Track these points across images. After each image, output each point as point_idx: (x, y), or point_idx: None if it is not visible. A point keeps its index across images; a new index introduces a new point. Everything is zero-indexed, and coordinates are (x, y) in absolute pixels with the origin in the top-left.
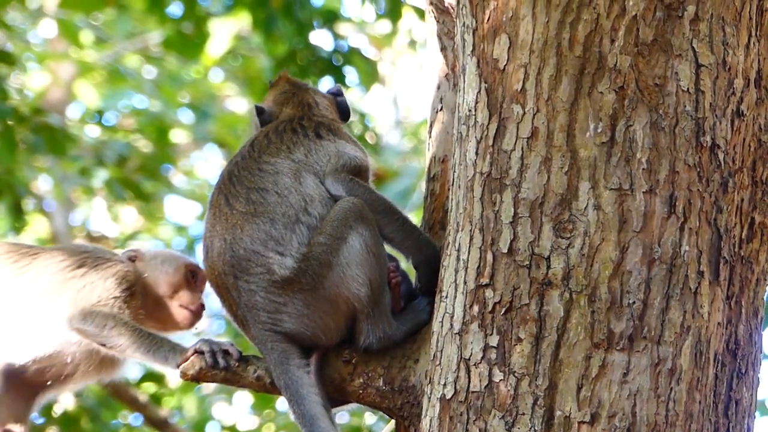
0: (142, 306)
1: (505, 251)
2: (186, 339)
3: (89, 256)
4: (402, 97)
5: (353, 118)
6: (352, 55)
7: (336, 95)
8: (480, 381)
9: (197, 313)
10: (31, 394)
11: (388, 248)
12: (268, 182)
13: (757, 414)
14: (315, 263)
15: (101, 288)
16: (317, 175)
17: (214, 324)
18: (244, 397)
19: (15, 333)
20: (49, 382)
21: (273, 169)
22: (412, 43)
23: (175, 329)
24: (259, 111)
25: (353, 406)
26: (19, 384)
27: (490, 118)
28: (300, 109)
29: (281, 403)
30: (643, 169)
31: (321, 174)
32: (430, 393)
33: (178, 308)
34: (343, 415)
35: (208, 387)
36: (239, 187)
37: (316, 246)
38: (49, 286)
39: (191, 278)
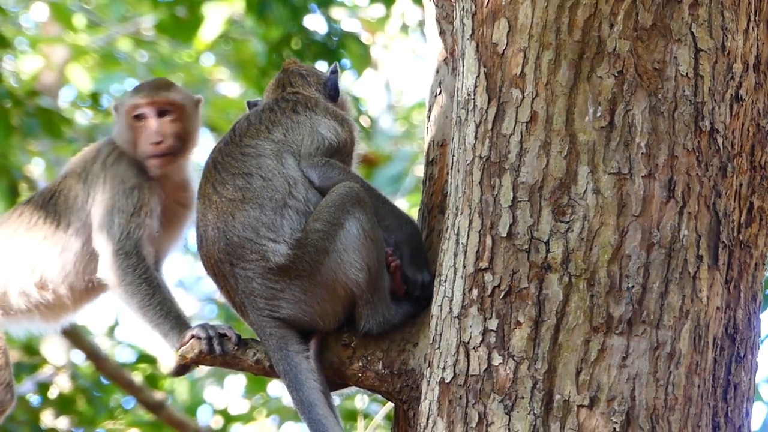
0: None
1: (504, 235)
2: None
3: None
4: (394, 81)
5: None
6: (345, 39)
7: (331, 73)
8: (479, 364)
9: (156, 147)
10: None
11: None
12: (252, 166)
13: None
14: (311, 250)
15: (114, 213)
16: (295, 156)
17: (205, 308)
18: (236, 381)
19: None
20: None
21: (255, 151)
22: (405, 28)
23: (151, 166)
24: (251, 105)
25: (350, 389)
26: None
27: (489, 103)
28: (281, 89)
29: (273, 387)
30: (642, 153)
31: (298, 155)
32: (429, 376)
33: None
34: (335, 399)
35: (200, 370)
36: (224, 174)
37: (312, 232)
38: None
39: (136, 119)
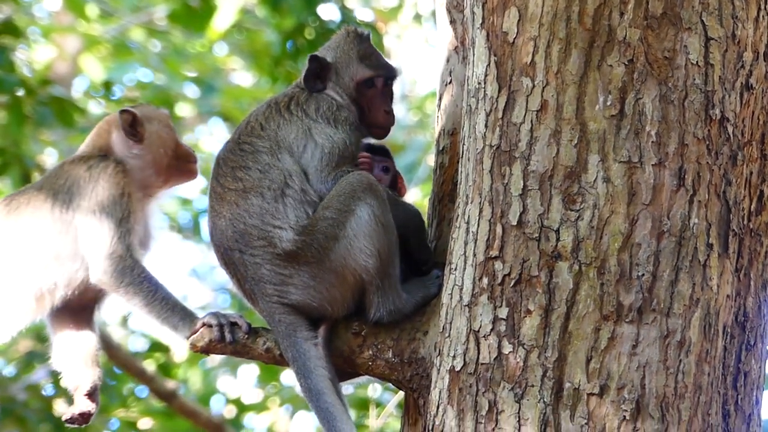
0: (141, 179)
1: (515, 224)
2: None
3: (67, 175)
4: (408, 70)
5: None
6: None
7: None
8: (489, 353)
9: (196, 162)
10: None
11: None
12: (249, 160)
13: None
14: (320, 236)
15: (104, 214)
16: (290, 152)
17: (219, 298)
18: (249, 370)
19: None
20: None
21: (251, 148)
22: (418, 17)
23: (178, 183)
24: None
25: (363, 378)
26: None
27: (499, 91)
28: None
29: (286, 376)
30: (653, 142)
31: (292, 151)
32: (440, 365)
33: (184, 163)
34: (347, 388)
35: (213, 360)
36: (225, 168)
37: (321, 220)
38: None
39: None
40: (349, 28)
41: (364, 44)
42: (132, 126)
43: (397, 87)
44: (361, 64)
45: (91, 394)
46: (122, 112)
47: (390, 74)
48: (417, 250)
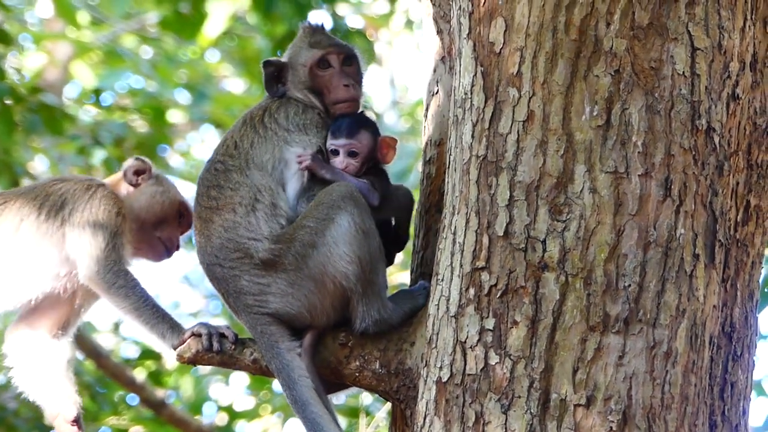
0: (127, 226)
1: (501, 234)
2: (184, 320)
3: (64, 189)
4: (399, 77)
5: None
6: (350, 35)
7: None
8: (476, 364)
9: (171, 251)
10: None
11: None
12: (221, 179)
13: (753, 395)
14: (298, 244)
15: (98, 227)
16: (261, 168)
17: (210, 304)
18: (240, 378)
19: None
20: (65, 310)
21: (223, 167)
22: (409, 24)
23: (144, 258)
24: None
25: (354, 389)
26: (41, 316)
27: (486, 102)
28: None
29: (277, 384)
30: (639, 152)
31: (265, 167)
32: (426, 376)
33: (156, 239)
34: (338, 396)
35: (204, 367)
36: (202, 187)
37: (300, 228)
38: (34, 231)
39: (179, 216)
40: (303, 25)
41: (317, 33)
42: (137, 174)
43: (365, 67)
44: (312, 49)
45: (77, 421)
46: (137, 158)
47: (342, 50)
48: (404, 230)
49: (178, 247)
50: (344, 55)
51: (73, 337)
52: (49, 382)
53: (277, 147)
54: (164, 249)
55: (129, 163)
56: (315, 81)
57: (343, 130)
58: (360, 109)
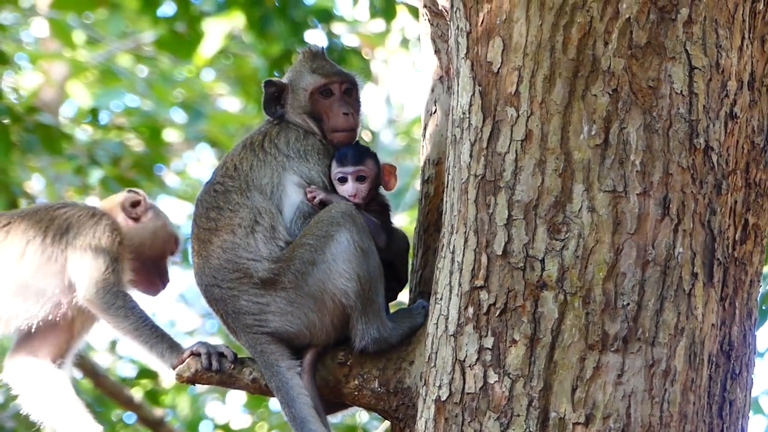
0: (126, 255)
1: (500, 253)
2: (182, 339)
3: (69, 214)
4: (395, 95)
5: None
6: (345, 54)
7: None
8: (475, 382)
9: (164, 287)
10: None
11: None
12: (221, 200)
13: (750, 412)
14: (298, 262)
15: (99, 251)
16: (261, 191)
17: (206, 323)
18: (237, 396)
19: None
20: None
21: (222, 188)
22: (405, 42)
23: (140, 289)
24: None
25: (353, 408)
26: (41, 339)
27: (484, 121)
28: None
29: (274, 403)
30: (637, 171)
31: (264, 191)
32: (425, 395)
33: (150, 275)
34: (335, 415)
35: (201, 386)
36: (201, 208)
37: (299, 247)
38: (39, 255)
39: (171, 253)
40: (304, 49)
41: (318, 58)
42: (133, 206)
43: (365, 96)
44: (314, 75)
45: None
46: (130, 190)
47: (344, 79)
48: (403, 272)
49: (168, 281)
50: (346, 85)
51: (73, 362)
52: (66, 412)
53: (275, 172)
54: (160, 285)
55: (124, 195)
56: (315, 107)
57: (349, 157)
58: (357, 139)
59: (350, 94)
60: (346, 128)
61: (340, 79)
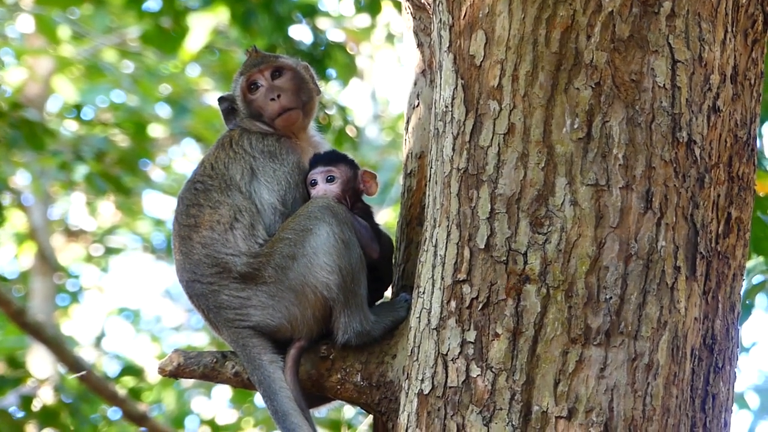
0: None
1: (482, 247)
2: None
3: None
4: (380, 91)
5: (332, 111)
6: (330, 49)
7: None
8: (457, 376)
9: None
10: None
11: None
12: (201, 198)
13: (735, 407)
14: (278, 256)
15: None
16: (239, 190)
17: (192, 318)
18: (222, 391)
19: None
20: None
21: (203, 186)
22: (390, 37)
23: None
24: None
25: (337, 402)
26: None
27: (466, 115)
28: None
29: (260, 398)
30: (620, 164)
31: (241, 189)
32: (408, 388)
33: None
34: (319, 409)
35: (187, 381)
36: (182, 206)
37: (279, 241)
38: None
39: None
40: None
41: (248, 58)
42: None
43: (308, 73)
44: (240, 77)
45: None
46: None
47: (266, 65)
48: (387, 275)
49: None
50: (270, 69)
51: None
52: None
53: (246, 171)
54: None
55: None
56: (251, 107)
57: (319, 160)
58: (305, 116)
59: (279, 75)
60: (279, 111)
61: (259, 68)
